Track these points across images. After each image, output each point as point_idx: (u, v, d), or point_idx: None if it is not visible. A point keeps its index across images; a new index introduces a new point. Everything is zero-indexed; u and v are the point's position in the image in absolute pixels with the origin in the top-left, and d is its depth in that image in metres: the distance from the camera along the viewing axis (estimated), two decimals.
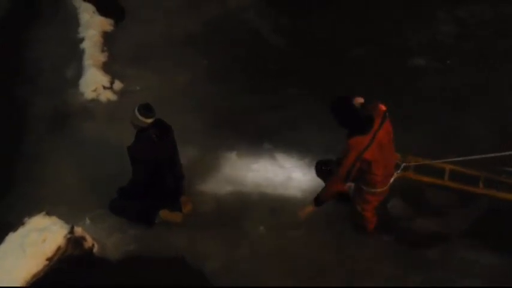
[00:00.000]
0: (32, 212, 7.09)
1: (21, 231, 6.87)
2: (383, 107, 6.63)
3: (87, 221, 7.69)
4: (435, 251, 7.44)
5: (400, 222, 7.78)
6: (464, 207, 7.80)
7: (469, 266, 7.23)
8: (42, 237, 6.79)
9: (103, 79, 9.51)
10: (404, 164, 7.27)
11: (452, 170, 7.70)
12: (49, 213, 7.12)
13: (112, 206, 7.73)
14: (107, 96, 9.36)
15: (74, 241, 7.00)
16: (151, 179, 7.31)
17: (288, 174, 8.30)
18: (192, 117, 8.79)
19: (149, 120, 7.00)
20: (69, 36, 10.24)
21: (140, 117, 6.97)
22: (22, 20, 10.51)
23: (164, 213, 7.67)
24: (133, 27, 10.56)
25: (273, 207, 7.92)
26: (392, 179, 7.02)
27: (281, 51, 10.12)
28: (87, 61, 9.74)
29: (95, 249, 7.31)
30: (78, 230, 7.11)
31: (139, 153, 7.09)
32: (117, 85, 9.52)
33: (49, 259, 6.73)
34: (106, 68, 9.76)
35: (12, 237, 6.82)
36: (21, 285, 6.49)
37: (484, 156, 7.06)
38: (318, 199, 7.04)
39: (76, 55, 9.89)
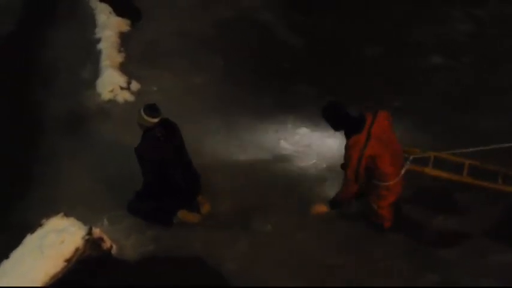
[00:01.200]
0: (49, 214, 7.08)
1: (39, 232, 6.87)
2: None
3: (105, 222, 7.67)
4: (455, 250, 7.35)
5: (420, 220, 7.70)
6: (489, 206, 7.71)
7: (489, 266, 7.14)
8: (60, 238, 6.78)
9: (120, 80, 9.52)
10: (412, 156, 7.25)
11: (470, 165, 7.67)
12: (67, 215, 7.12)
13: (130, 206, 7.73)
14: (124, 96, 9.36)
15: (92, 242, 6.97)
16: (162, 179, 7.31)
17: (304, 173, 8.26)
18: (208, 117, 8.78)
19: (155, 120, 7.02)
20: (85, 37, 10.28)
21: (146, 117, 7.01)
22: (38, 21, 10.54)
23: (182, 214, 7.66)
24: (149, 27, 10.57)
25: (289, 207, 7.87)
26: (403, 171, 7.03)
27: (295, 51, 10.09)
28: (104, 62, 9.76)
29: (113, 250, 7.30)
30: (96, 231, 7.09)
31: (146, 153, 7.10)
32: (134, 86, 9.52)
33: (67, 260, 6.71)
34: (123, 68, 9.77)
35: (30, 239, 6.81)
36: (39, 287, 6.49)
37: (497, 146, 7.27)
38: (334, 201, 7.11)
39: (93, 56, 9.92)
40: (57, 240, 6.76)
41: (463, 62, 9.73)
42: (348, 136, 6.75)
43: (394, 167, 6.88)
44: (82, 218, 7.23)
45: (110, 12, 10.63)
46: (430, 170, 7.64)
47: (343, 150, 6.90)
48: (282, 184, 8.11)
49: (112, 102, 9.30)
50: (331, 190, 7.59)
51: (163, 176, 7.29)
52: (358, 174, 6.69)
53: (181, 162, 7.43)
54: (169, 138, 7.14)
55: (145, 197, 7.62)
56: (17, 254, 6.68)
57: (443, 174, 7.65)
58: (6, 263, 6.60)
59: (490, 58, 9.75)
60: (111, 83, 9.44)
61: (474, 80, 9.41)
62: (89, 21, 10.45)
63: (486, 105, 8.99)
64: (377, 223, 7.46)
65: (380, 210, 7.25)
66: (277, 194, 8.04)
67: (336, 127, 6.89)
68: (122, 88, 9.43)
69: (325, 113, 6.84)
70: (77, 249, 6.80)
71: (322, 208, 7.22)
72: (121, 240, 7.52)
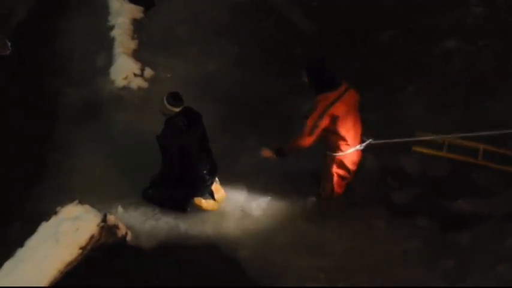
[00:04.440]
0: (64, 202, 7.08)
1: (54, 220, 6.85)
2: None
3: (120, 209, 7.70)
4: (471, 234, 7.32)
5: (437, 203, 7.69)
6: (506, 189, 7.69)
7: (505, 250, 7.08)
8: (75, 226, 6.77)
9: (134, 67, 9.51)
10: (370, 140, 7.29)
11: (485, 149, 7.80)
12: (82, 202, 7.11)
13: (145, 193, 7.76)
14: (137, 83, 9.36)
15: (107, 229, 6.96)
16: (182, 167, 7.30)
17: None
18: (221, 104, 8.76)
19: (177, 109, 7.02)
20: (99, 25, 10.26)
21: (168, 106, 7.00)
22: (52, 9, 10.53)
23: (197, 201, 7.69)
24: (162, 14, 10.55)
25: (302, 192, 7.88)
26: (353, 149, 7.18)
27: (309, 37, 10.03)
28: (118, 49, 9.75)
29: (128, 237, 7.30)
30: (111, 218, 7.08)
31: (167, 142, 7.10)
32: (148, 72, 9.51)
33: (82, 248, 6.71)
34: (136, 55, 9.76)
35: (45, 227, 6.81)
36: (55, 274, 6.51)
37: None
38: (282, 150, 7.27)
39: (106, 43, 9.92)
40: (72, 228, 6.76)
41: (478, 45, 9.63)
42: (319, 91, 6.92)
43: (348, 140, 7.07)
44: (97, 206, 7.22)
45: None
46: (444, 154, 7.85)
47: None
48: (295, 169, 8.07)
49: (126, 89, 9.29)
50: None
51: (183, 164, 7.28)
52: (316, 127, 6.86)
53: (201, 152, 7.43)
54: (191, 127, 7.14)
55: (162, 185, 7.63)
56: (32, 242, 6.67)
57: (458, 157, 7.69)
58: (22, 251, 6.59)
59: (506, 41, 9.64)
60: (125, 70, 9.43)
61: (489, 63, 9.33)
62: (102, 9, 10.42)
63: (501, 89, 8.92)
64: (320, 191, 7.72)
65: (327, 182, 7.53)
66: (290, 178, 8.04)
67: (313, 85, 6.99)
68: (135, 75, 9.42)
69: (309, 69, 6.98)
70: (92, 237, 6.80)
71: (269, 154, 7.36)
72: (136, 227, 7.53)
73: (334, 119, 6.87)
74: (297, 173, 8.07)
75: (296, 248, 7.38)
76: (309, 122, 6.91)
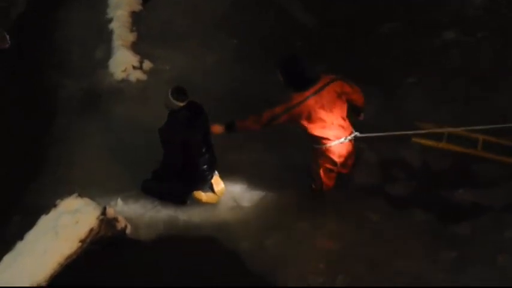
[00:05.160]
0: (63, 194, 7.07)
1: (53, 213, 6.84)
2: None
3: (119, 202, 7.69)
4: (472, 225, 7.34)
5: (438, 194, 7.71)
6: (507, 180, 7.71)
7: (506, 242, 7.10)
8: (74, 219, 6.76)
9: (132, 59, 9.47)
10: (356, 133, 7.27)
11: (485, 140, 7.83)
12: (81, 195, 7.10)
13: (144, 186, 7.75)
14: (136, 76, 9.32)
15: (106, 222, 6.96)
16: (183, 161, 7.29)
17: None
18: (220, 97, 8.74)
19: (182, 104, 6.99)
20: (97, 17, 10.18)
21: (173, 100, 6.96)
22: (51, 2, 10.46)
23: (197, 194, 7.69)
24: (161, 7, 10.46)
25: (304, 184, 7.85)
26: (335, 143, 7.13)
27: (309, 30, 9.98)
28: (117, 41, 9.70)
29: (128, 230, 7.30)
30: (111, 211, 7.07)
31: (169, 135, 7.07)
32: (147, 65, 9.47)
33: (82, 241, 6.70)
34: (135, 48, 9.69)
35: (44, 220, 6.79)
36: (55, 268, 6.50)
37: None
38: (233, 126, 7.30)
39: (105, 36, 9.84)
40: (71, 221, 6.75)
41: (478, 37, 9.59)
42: (294, 91, 6.90)
43: (327, 133, 7.05)
44: (96, 198, 7.22)
45: None
46: (444, 145, 7.86)
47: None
48: (296, 162, 8.03)
49: (125, 81, 9.24)
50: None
51: (184, 158, 7.27)
52: (272, 120, 6.94)
53: (203, 146, 7.40)
54: (194, 122, 7.12)
55: (162, 178, 7.63)
56: (31, 235, 6.66)
57: (458, 149, 7.72)
58: (21, 244, 6.58)
59: (506, 33, 9.61)
60: (124, 63, 9.39)
61: (489, 55, 9.29)
62: (101, 1, 10.33)
63: (502, 81, 8.90)
64: (310, 183, 7.72)
65: (314, 175, 7.56)
66: (291, 171, 8.01)
67: (287, 84, 6.96)
68: (134, 67, 9.38)
69: (282, 67, 6.95)
70: (91, 230, 6.79)
71: (218, 128, 7.37)
72: (135, 220, 7.52)
73: (300, 118, 6.91)
74: (293, 166, 8.05)
75: (295, 240, 7.38)
76: (268, 113, 6.97)
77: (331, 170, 7.47)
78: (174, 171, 7.45)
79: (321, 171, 7.47)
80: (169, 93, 6.96)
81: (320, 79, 6.90)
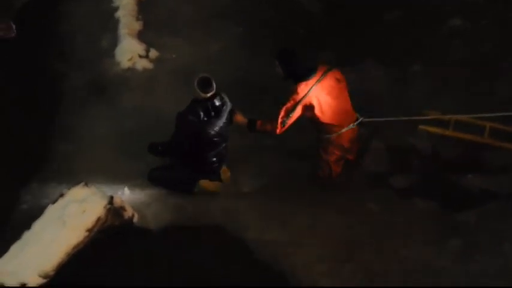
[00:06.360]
0: (70, 184, 7.08)
1: (60, 202, 6.84)
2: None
3: (126, 191, 7.69)
4: (478, 212, 7.29)
5: (445, 181, 7.71)
6: None
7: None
8: (81, 208, 6.76)
9: (139, 48, 9.50)
10: (362, 118, 7.35)
11: (491, 128, 7.82)
12: (88, 184, 7.12)
13: (151, 175, 7.75)
14: (142, 64, 9.35)
15: (113, 211, 6.95)
16: (194, 152, 7.31)
17: None
18: (226, 84, 8.69)
19: (207, 95, 7.01)
20: (103, 6, 10.23)
21: (198, 91, 6.99)
22: None
23: (203, 182, 7.68)
24: None
25: (310, 176, 7.85)
26: (345, 129, 7.24)
27: (313, 17, 10.00)
28: (123, 30, 9.73)
29: (135, 219, 7.30)
30: (118, 200, 7.07)
31: (181, 123, 7.11)
32: (153, 53, 9.51)
33: (89, 230, 6.69)
34: (141, 36, 9.73)
35: (51, 209, 6.80)
36: (62, 257, 6.51)
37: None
38: (254, 125, 7.41)
39: (111, 24, 9.89)
40: (78, 210, 6.75)
41: (483, 24, 9.55)
42: (295, 82, 7.05)
43: (335, 121, 7.17)
44: (103, 187, 7.24)
45: None
46: (450, 132, 7.87)
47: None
48: (304, 146, 8.05)
49: (131, 70, 9.29)
50: None
51: (195, 148, 7.31)
52: (288, 118, 7.06)
53: (219, 138, 7.39)
54: (212, 116, 7.14)
55: (169, 167, 7.66)
56: (38, 225, 6.66)
57: (465, 136, 7.72)
58: (28, 233, 6.58)
59: (510, 21, 9.55)
60: (130, 51, 9.42)
61: (494, 43, 9.25)
62: None
63: (506, 68, 8.87)
64: (319, 174, 7.71)
65: (323, 163, 7.55)
66: (299, 161, 8.03)
67: (288, 76, 7.11)
68: (140, 56, 9.43)
69: (281, 59, 7.11)
70: (98, 219, 6.78)
71: (241, 120, 7.52)
72: (142, 209, 7.51)
73: (312, 107, 7.02)
74: (297, 152, 8.09)
75: (300, 228, 7.36)
76: (282, 112, 7.07)
77: (341, 157, 7.54)
78: (174, 153, 7.53)
79: (332, 159, 7.50)
80: (196, 83, 6.98)
81: (318, 68, 7.05)
